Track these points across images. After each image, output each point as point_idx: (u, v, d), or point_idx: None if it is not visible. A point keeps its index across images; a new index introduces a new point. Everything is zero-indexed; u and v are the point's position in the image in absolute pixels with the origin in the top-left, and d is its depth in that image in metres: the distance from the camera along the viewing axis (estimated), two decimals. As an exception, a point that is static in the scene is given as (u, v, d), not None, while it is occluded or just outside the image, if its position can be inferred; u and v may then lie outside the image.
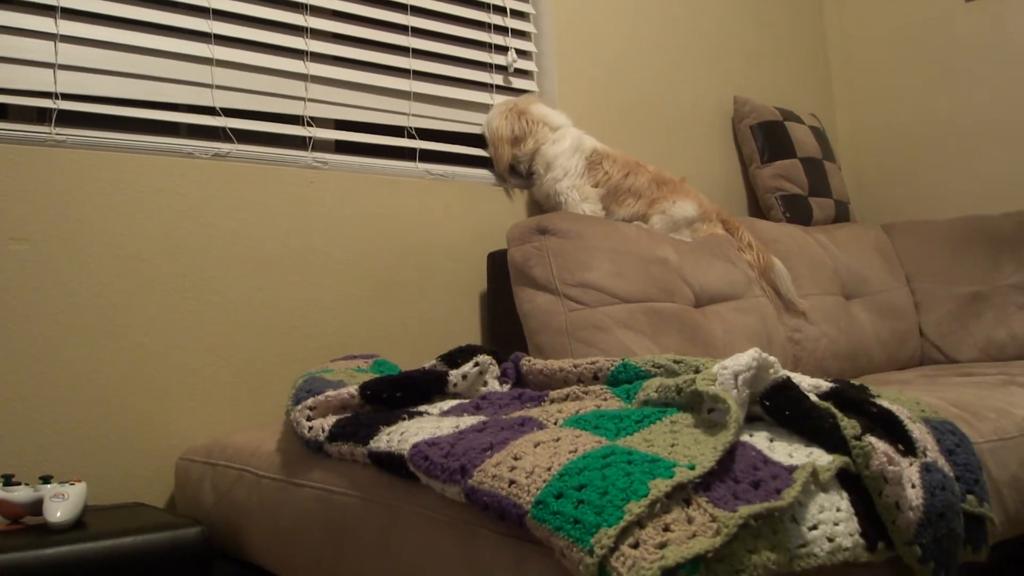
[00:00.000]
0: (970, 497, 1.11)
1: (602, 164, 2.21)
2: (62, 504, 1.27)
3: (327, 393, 1.28)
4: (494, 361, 1.42)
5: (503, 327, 2.05)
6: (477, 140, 2.32)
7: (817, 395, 1.11)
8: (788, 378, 1.03)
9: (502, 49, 2.39)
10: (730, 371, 1.01)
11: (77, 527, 1.26)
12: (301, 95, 1.99)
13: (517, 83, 2.42)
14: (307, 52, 2.00)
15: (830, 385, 1.17)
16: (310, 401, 1.28)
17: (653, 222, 2.18)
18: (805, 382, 1.17)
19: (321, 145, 2.06)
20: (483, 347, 1.49)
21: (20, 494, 1.31)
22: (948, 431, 1.18)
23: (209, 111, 1.86)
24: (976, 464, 1.17)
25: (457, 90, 2.28)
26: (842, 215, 2.92)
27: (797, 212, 2.76)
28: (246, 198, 1.83)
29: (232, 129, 1.87)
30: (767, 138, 2.83)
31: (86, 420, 1.60)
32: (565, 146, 2.22)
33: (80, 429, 1.59)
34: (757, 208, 2.90)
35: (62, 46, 1.68)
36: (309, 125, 2.00)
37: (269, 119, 1.95)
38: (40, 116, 1.67)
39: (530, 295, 1.89)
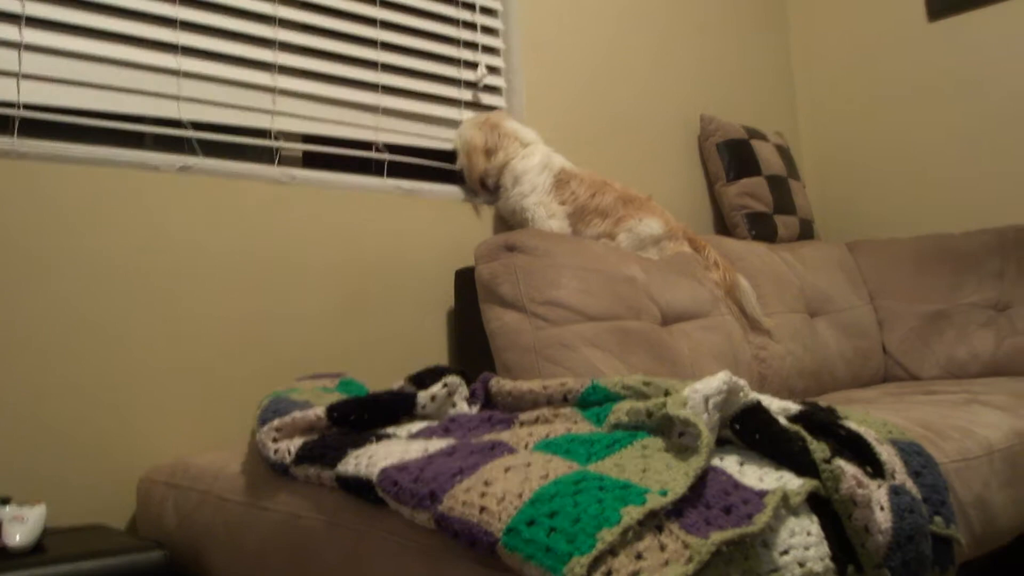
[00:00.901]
0: (937, 519, 1.12)
1: (570, 184, 2.22)
2: (20, 527, 1.24)
3: (294, 414, 1.27)
4: (463, 382, 1.41)
5: (471, 345, 2.04)
6: (446, 156, 2.32)
7: (786, 418, 1.12)
8: (758, 402, 1.03)
9: (471, 65, 2.39)
10: (700, 395, 1.01)
11: (36, 551, 1.23)
12: (269, 108, 1.97)
13: (486, 99, 2.42)
14: (276, 65, 1.99)
15: (799, 408, 1.18)
16: (276, 422, 1.26)
17: (620, 239, 2.18)
18: (774, 405, 1.17)
19: (289, 159, 2.05)
20: (452, 368, 1.48)
21: (-24, 517, 1.27)
22: (915, 452, 1.20)
23: (175, 124, 1.84)
24: (943, 485, 1.18)
25: (426, 105, 2.28)
26: (806, 233, 2.95)
27: (762, 230, 2.79)
28: (212, 212, 1.81)
29: (199, 142, 1.85)
30: (733, 156, 2.85)
31: (45, 439, 1.57)
32: (534, 162, 2.22)
33: (39, 448, 1.56)
34: (723, 225, 2.92)
35: (26, 55, 1.65)
36: (277, 139, 1.98)
37: (236, 132, 1.93)
38: (2, 127, 1.64)
39: (498, 313, 1.88)
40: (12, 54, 1.64)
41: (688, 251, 2.27)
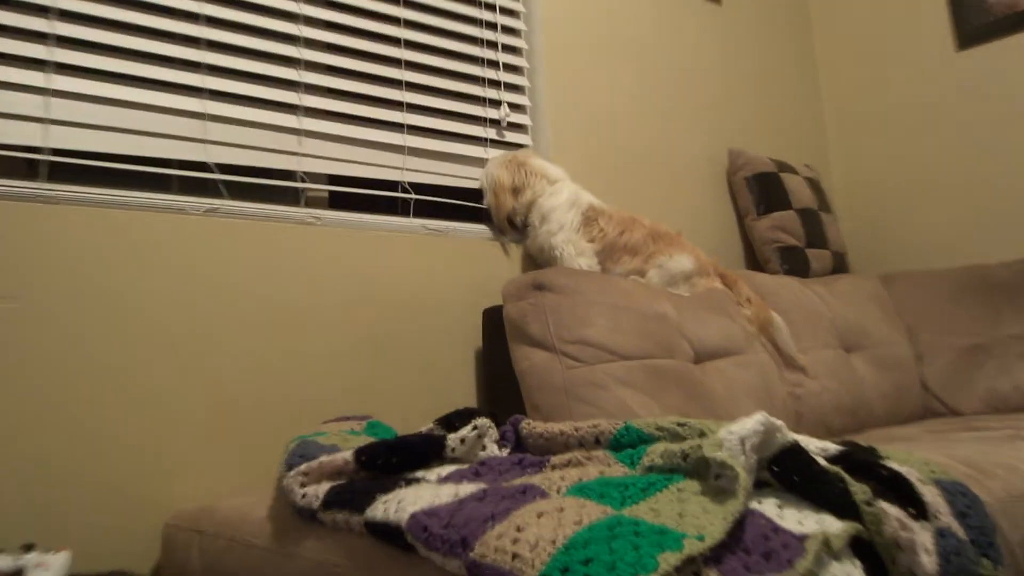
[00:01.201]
0: (985, 561, 1.09)
1: (598, 221, 2.22)
2: (44, 575, 1.24)
3: (321, 459, 1.26)
4: (493, 424, 1.40)
5: (499, 385, 2.03)
6: (472, 194, 2.32)
7: (825, 458, 1.09)
8: (796, 442, 1.01)
9: (496, 103, 2.40)
10: (736, 436, 0.99)
11: (60, 600, 1.22)
12: (295, 150, 1.99)
13: (511, 137, 2.43)
14: (301, 107, 2.01)
15: (838, 447, 1.16)
16: (303, 467, 1.25)
17: (650, 276, 2.17)
18: (812, 445, 1.15)
19: (315, 201, 2.06)
20: (481, 410, 1.47)
21: (0, 564, 1.27)
22: (959, 492, 1.16)
23: (201, 166, 1.85)
24: (990, 526, 1.14)
25: (452, 144, 2.29)
26: (840, 266, 2.93)
27: (794, 264, 2.76)
28: (239, 254, 1.82)
29: (225, 184, 1.86)
30: (762, 190, 2.84)
31: (70, 484, 1.56)
32: (562, 199, 2.22)
33: (64, 494, 1.56)
34: (754, 260, 2.90)
35: (54, 100, 1.68)
36: (303, 180, 1.99)
37: (262, 175, 1.94)
38: (30, 171, 1.65)
39: (527, 352, 1.87)
40: (40, 99, 1.66)
41: (720, 287, 2.26)
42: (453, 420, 1.43)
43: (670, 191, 2.77)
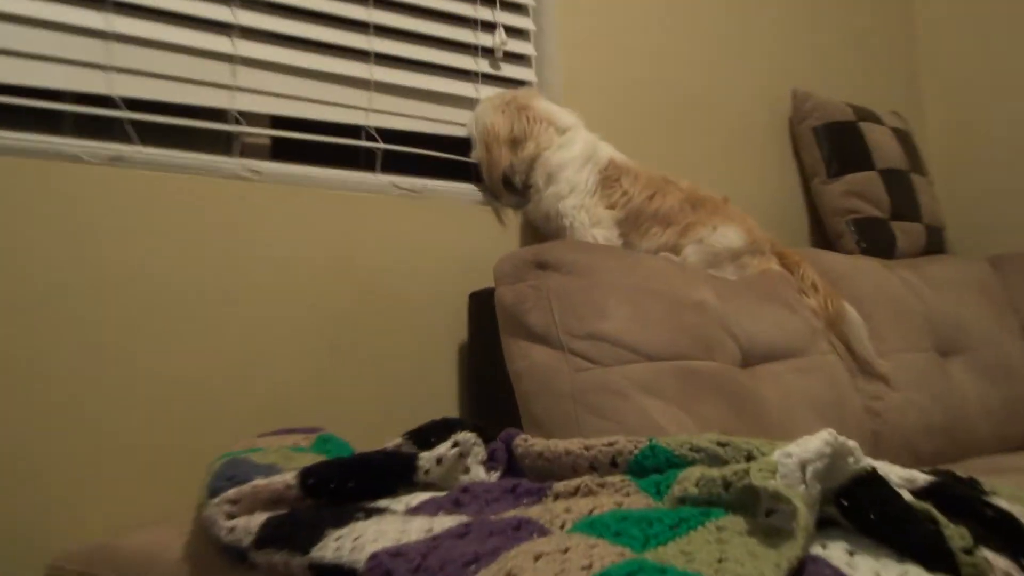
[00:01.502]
0: (1118, 631, 1.09)
1: (620, 181, 2.22)
2: None
3: (255, 482, 1.25)
4: (479, 440, 1.39)
5: (489, 390, 2.03)
6: (457, 145, 2.32)
7: (911, 492, 1.09)
8: (874, 470, 1.00)
9: (490, 26, 2.39)
10: (796, 459, 0.98)
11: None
12: (226, 82, 1.97)
13: (509, 71, 2.42)
14: (235, 25, 1.99)
15: (928, 479, 1.15)
16: (232, 492, 1.25)
17: (687, 254, 2.18)
18: (894, 474, 1.14)
19: (253, 149, 2.05)
20: (463, 421, 1.46)
21: None
22: (1086, 540, 1.16)
23: (104, 101, 1.84)
24: None
25: (431, 79, 2.28)
26: (935, 244, 2.92)
27: (876, 241, 2.76)
28: (151, 217, 1.81)
29: (135, 125, 1.85)
30: (835, 144, 2.83)
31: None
32: (574, 153, 2.22)
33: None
34: (823, 235, 2.89)
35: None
36: (238, 122, 1.98)
37: (184, 114, 1.93)
38: None
39: (524, 349, 1.87)
40: None
41: (776, 269, 2.26)
42: (428, 434, 1.42)
43: (715, 145, 2.77)
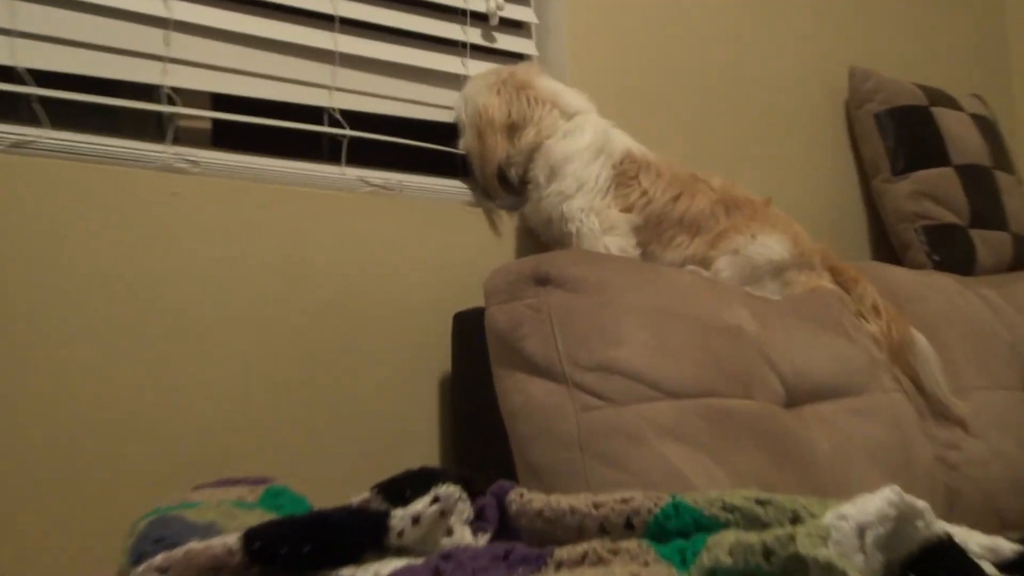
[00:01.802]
0: None
1: (639, 178, 2.21)
2: None
3: (189, 545, 1.24)
4: (464, 495, 1.39)
5: (477, 433, 2.04)
6: (441, 132, 2.32)
7: (995, 564, 1.08)
8: (949, 536, 1.00)
9: (482, -12, 2.41)
10: (852, 523, 0.98)
11: None
12: (158, 52, 1.97)
13: (504, 42, 2.43)
14: (170, -14, 2.00)
15: (1016, 548, 1.15)
16: (160, 559, 1.24)
17: (719, 267, 2.17)
18: (974, 542, 1.14)
19: (190, 135, 2.05)
20: (446, 470, 1.45)
21: None
22: None
23: (6, 74, 1.83)
24: None
25: (410, 51, 2.28)
26: None
27: (952, 253, 2.75)
28: (59, 217, 1.80)
29: (44, 103, 1.85)
30: (902, 134, 2.83)
31: None
32: (583, 143, 2.22)
33: None
34: (887, 246, 2.89)
35: None
36: (171, 102, 1.98)
37: (105, 91, 1.92)
38: None
39: (520, 383, 1.87)
40: None
41: (830, 287, 2.25)
42: (402, 487, 1.41)
43: (755, 134, 2.77)
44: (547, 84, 2.27)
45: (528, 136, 2.24)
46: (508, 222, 2.31)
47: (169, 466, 1.85)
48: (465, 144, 2.29)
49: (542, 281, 1.89)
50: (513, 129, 2.24)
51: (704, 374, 1.89)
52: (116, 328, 1.83)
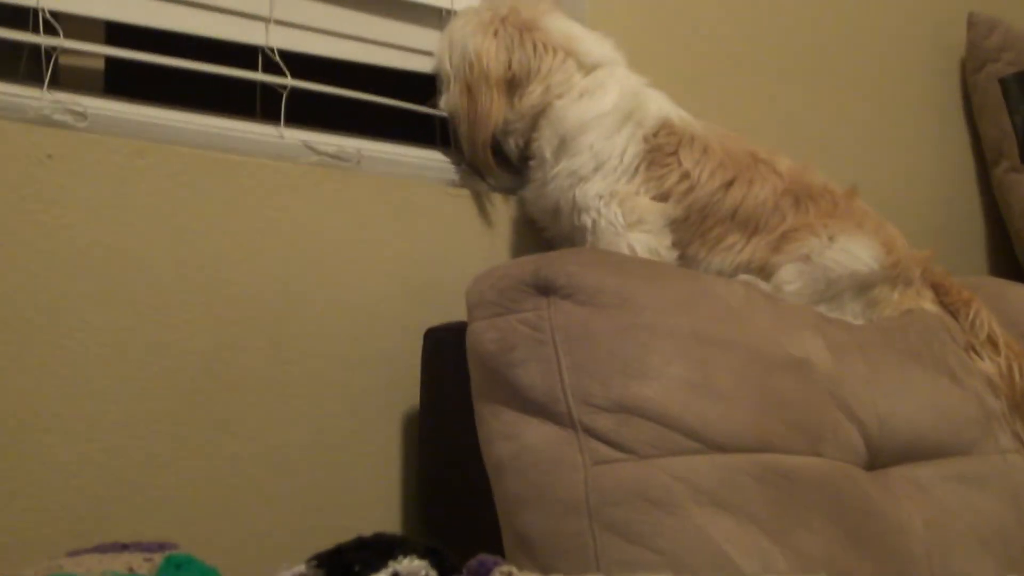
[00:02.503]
0: None
1: (678, 155, 2.21)
2: None
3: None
4: (432, 572, 1.37)
5: (450, 489, 2.04)
6: (413, 85, 2.32)
7: None
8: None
9: None
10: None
11: None
12: None
13: (505, -31, 2.42)
14: None
15: None
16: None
17: (784, 279, 2.17)
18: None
19: (76, 77, 2.05)
20: (407, 539, 1.45)
21: None
22: None
23: None
24: None
25: None
26: None
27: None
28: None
29: None
30: (1038, 106, 2.84)
31: None
32: (605, 106, 2.21)
33: None
34: (1009, 256, 2.88)
35: None
36: (51, 31, 1.95)
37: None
38: None
39: (511, 424, 1.86)
40: None
41: (931, 310, 2.25)
42: (350, 560, 1.41)
43: (837, 104, 2.78)
44: (560, 25, 2.26)
45: (533, 95, 2.23)
46: (502, 210, 2.31)
47: (34, 523, 1.84)
48: (449, 103, 2.28)
49: (545, 289, 1.87)
50: (514, 84, 2.23)
51: (759, 422, 1.88)
52: None
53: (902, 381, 2.09)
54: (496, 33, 2.23)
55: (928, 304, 2.24)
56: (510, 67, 2.23)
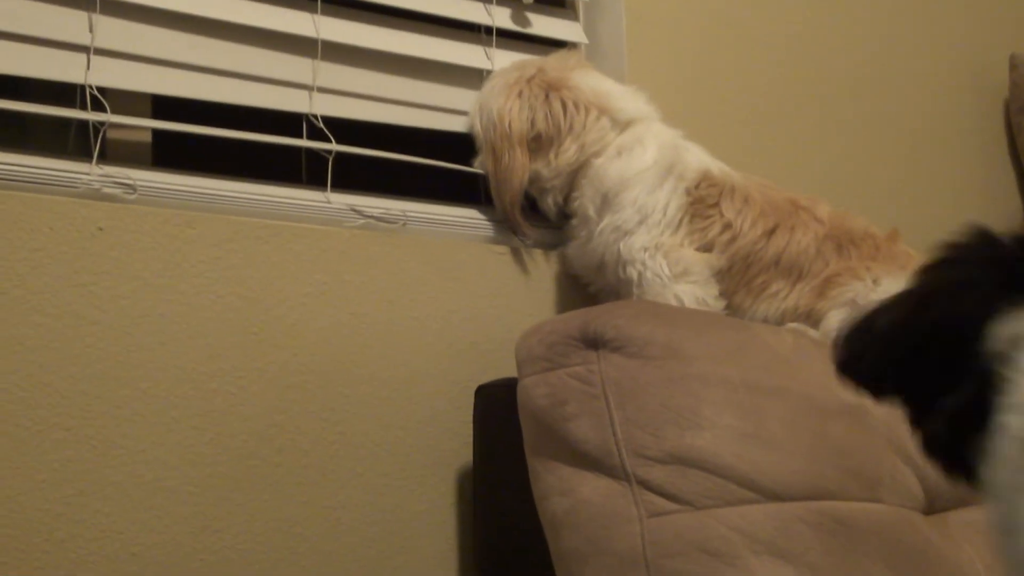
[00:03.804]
0: None
1: (720, 206, 2.20)
2: None
3: None
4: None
5: (506, 546, 2.02)
6: (458, 146, 2.31)
7: None
8: None
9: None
10: None
11: None
12: (80, 41, 1.96)
13: (540, 25, 2.43)
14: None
15: None
16: None
17: (832, 324, 2.14)
18: None
19: (124, 150, 2.04)
20: None
21: None
22: None
23: None
24: None
25: (417, 39, 2.28)
26: None
27: None
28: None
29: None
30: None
31: None
32: (645, 162, 2.20)
33: None
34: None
35: None
36: (99, 106, 1.96)
37: (4, 92, 1.90)
38: None
39: (565, 479, 1.84)
40: None
41: None
42: None
43: (879, 147, 2.76)
44: (591, 82, 2.25)
45: (567, 153, 2.22)
46: (543, 265, 2.30)
47: None
48: (481, 163, 2.28)
49: (594, 343, 1.85)
50: (540, 143, 2.23)
51: (814, 469, 1.86)
52: (10, 408, 1.80)
53: (957, 423, 2.07)
54: (520, 94, 2.23)
55: (977, 345, 2.23)
56: (534, 126, 2.22)
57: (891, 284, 2.15)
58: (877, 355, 1.14)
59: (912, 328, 1.09)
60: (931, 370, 1.09)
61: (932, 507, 1.97)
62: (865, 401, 1.95)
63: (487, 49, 2.36)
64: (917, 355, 1.09)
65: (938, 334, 1.07)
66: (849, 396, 1.94)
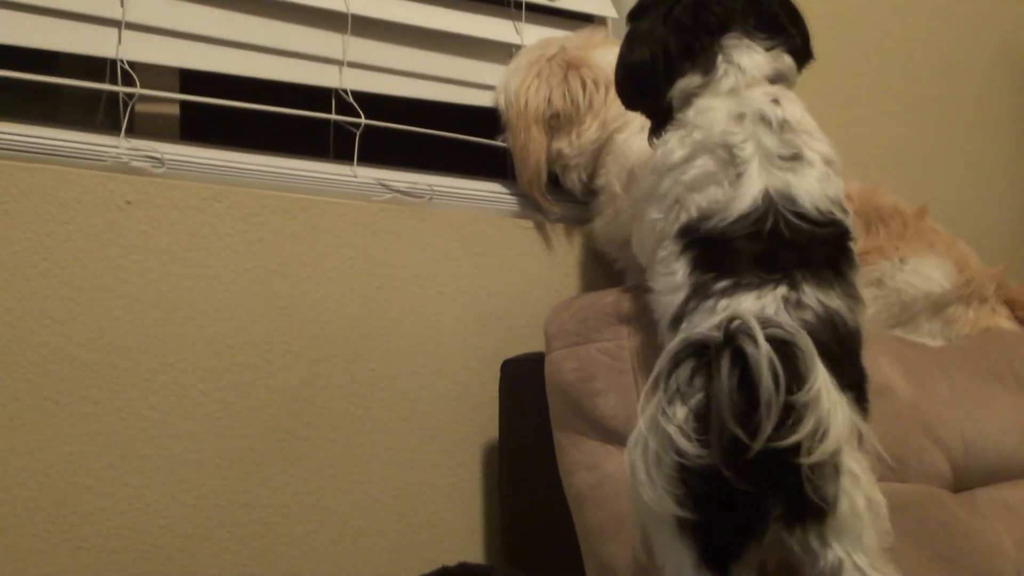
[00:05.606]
0: None
1: None
2: None
3: None
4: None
5: (531, 519, 2.02)
6: (486, 121, 2.30)
7: None
8: None
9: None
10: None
11: None
12: (110, 15, 1.94)
13: (572, 0, 2.41)
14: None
15: None
16: None
17: None
18: None
19: (152, 124, 2.03)
20: (492, 568, 1.42)
21: None
22: None
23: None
24: None
25: (445, 13, 2.27)
26: None
27: None
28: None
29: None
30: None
31: None
32: None
33: None
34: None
35: None
36: (128, 80, 1.94)
37: (35, 67, 1.89)
38: None
39: (591, 454, 1.83)
40: None
41: (1008, 327, 2.21)
42: None
43: (907, 122, 2.76)
44: (612, 59, 2.21)
45: (589, 131, 2.21)
46: (567, 240, 2.30)
47: (126, 563, 1.84)
48: (504, 138, 2.27)
49: (625, 318, 1.85)
50: (560, 122, 2.22)
51: (841, 447, 1.84)
52: (39, 382, 1.80)
53: (985, 401, 2.06)
54: (539, 73, 2.22)
55: (1004, 321, 2.21)
56: (551, 104, 2.20)
57: (918, 263, 2.15)
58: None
59: None
60: None
61: (960, 485, 1.97)
62: (891, 382, 1.95)
63: (516, 23, 2.35)
64: None
65: None
66: (876, 377, 1.93)
